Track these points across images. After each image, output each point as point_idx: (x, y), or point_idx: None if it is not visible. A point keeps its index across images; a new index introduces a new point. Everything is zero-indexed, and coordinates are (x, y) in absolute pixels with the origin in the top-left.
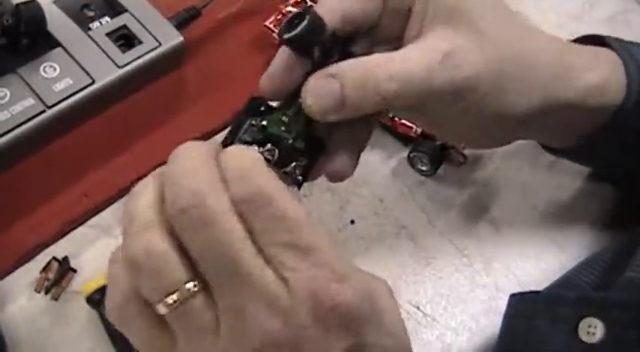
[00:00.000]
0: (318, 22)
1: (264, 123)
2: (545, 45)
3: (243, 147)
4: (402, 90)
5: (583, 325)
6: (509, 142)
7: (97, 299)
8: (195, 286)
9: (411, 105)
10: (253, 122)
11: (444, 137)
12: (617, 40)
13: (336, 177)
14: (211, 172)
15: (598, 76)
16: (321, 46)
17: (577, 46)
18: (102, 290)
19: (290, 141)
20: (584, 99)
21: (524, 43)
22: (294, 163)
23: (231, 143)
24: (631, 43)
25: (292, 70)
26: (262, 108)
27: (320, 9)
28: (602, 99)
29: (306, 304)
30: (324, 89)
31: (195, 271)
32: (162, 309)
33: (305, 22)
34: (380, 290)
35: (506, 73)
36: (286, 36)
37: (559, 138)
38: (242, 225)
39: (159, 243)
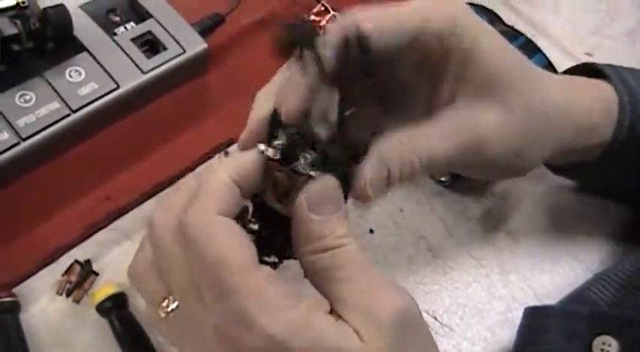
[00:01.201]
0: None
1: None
2: (557, 97)
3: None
4: (432, 169)
5: (597, 342)
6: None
7: (107, 307)
8: (170, 303)
9: None
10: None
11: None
12: (611, 67)
13: None
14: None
15: (594, 117)
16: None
17: (578, 84)
18: (112, 299)
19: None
20: (581, 142)
21: (543, 108)
22: (302, 158)
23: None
24: (628, 69)
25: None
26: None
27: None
28: (593, 139)
29: (217, 342)
30: (379, 178)
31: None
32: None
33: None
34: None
35: (526, 145)
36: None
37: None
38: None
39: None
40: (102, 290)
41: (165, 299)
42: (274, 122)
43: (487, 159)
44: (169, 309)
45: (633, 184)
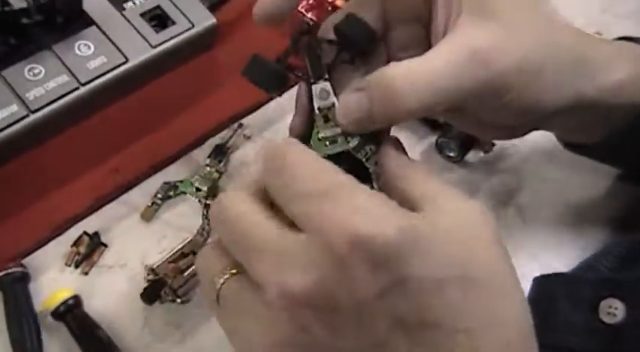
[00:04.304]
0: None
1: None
2: (570, 39)
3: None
4: (428, 102)
5: (604, 305)
6: (527, 133)
7: (62, 312)
8: (227, 272)
9: (443, 110)
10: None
11: (464, 130)
12: None
13: None
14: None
15: (619, 72)
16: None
17: (599, 39)
18: (65, 303)
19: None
20: (604, 98)
21: (549, 38)
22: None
23: None
24: None
25: None
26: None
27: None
28: (623, 98)
29: (323, 248)
30: (354, 105)
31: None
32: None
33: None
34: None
35: (535, 67)
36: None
37: (580, 136)
38: (257, 204)
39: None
40: (53, 297)
41: (223, 270)
42: None
43: (493, 85)
44: (226, 277)
45: None
